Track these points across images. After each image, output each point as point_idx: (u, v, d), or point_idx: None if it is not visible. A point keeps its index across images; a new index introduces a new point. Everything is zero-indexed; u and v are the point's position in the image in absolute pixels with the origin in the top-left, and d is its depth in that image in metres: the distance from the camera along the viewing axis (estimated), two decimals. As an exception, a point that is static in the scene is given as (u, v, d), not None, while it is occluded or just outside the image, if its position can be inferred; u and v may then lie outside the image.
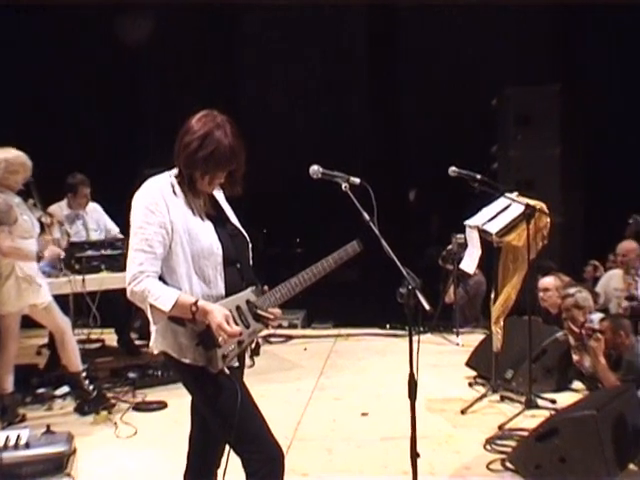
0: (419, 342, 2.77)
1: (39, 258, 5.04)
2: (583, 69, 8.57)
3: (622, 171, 8.07)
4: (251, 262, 2.91)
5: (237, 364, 2.76)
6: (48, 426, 3.65)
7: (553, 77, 8.31)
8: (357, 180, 3.01)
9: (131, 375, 6.01)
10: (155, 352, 2.77)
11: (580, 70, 8.57)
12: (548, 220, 5.40)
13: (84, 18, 8.83)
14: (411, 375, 2.83)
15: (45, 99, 8.74)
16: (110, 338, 7.27)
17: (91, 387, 5.45)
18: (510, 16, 8.89)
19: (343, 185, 2.98)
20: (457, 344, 7.29)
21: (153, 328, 2.71)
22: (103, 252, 6.03)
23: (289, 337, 7.78)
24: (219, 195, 2.91)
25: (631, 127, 8.17)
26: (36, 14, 8.47)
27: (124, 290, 2.68)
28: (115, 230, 6.80)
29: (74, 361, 5.39)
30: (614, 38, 8.42)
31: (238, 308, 2.71)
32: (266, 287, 2.83)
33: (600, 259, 6.98)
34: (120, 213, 6.65)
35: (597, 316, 5.61)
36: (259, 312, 2.73)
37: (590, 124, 8.20)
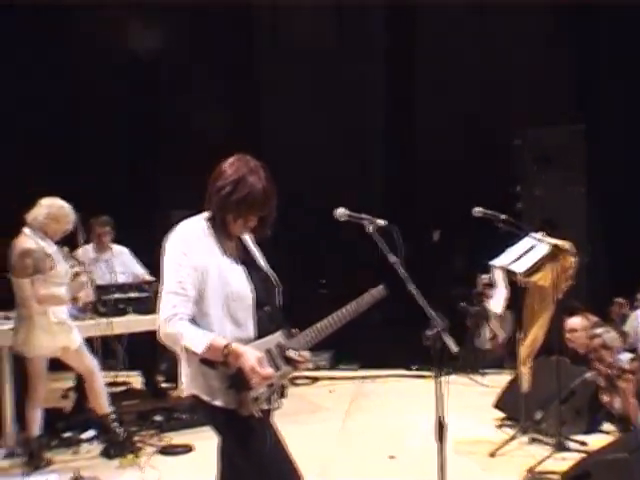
0: (447, 384, 2.76)
1: (74, 300, 5.13)
2: (607, 110, 8.57)
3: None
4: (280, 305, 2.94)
5: (267, 407, 2.76)
6: (75, 471, 3.65)
7: (577, 117, 8.32)
8: (382, 222, 3.02)
9: (157, 418, 6.02)
10: (185, 395, 2.78)
11: (604, 111, 8.57)
12: (574, 260, 5.37)
13: (100, 49, 9.04)
14: (439, 419, 2.81)
15: (66, 140, 8.88)
16: (136, 381, 7.29)
17: (120, 429, 5.46)
18: (535, 57, 8.95)
19: (369, 227, 3.00)
20: (483, 385, 7.21)
21: (184, 371, 2.73)
22: (130, 295, 6.08)
23: (315, 379, 7.75)
24: (248, 239, 2.95)
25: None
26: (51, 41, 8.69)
27: (151, 332, 2.70)
28: (143, 273, 6.84)
29: (102, 403, 5.40)
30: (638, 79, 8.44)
31: (268, 351, 2.72)
32: (295, 330, 2.85)
33: (627, 298, 6.90)
34: (144, 253, 6.74)
35: (626, 356, 5.54)
36: (289, 355, 2.74)
37: (615, 163, 8.18)
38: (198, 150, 8.41)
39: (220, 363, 2.61)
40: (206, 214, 2.80)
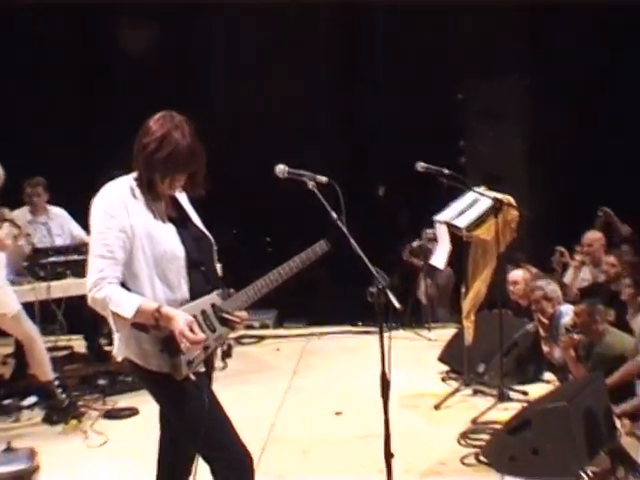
0: (390, 339, 2.74)
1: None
2: (554, 66, 8.59)
3: (590, 165, 8.11)
4: (217, 265, 2.87)
5: (203, 369, 2.71)
6: (8, 443, 3.56)
7: (523, 73, 8.33)
8: (324, 179, 2.98)
9: (101, 382, 5.91)
10: (119, 359, 2.72)
11: (550, 67, 8.59)
12: (516, 214, 5.41)
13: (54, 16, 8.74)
14: (383, 374, 2.80)
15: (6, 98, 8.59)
16: (79, 345, 7.12)
17: (63, 396, 5.35)
18: (480, 12, 8.91)
19: (310, 184, 2.95)
20: (429, 339, 7.28)
21: (116, 335, 2.67)
22: (68, 258, 5.90)
23: (261, 338, 7.70)
24: (182, 197, 2.86)
25: (599, 122, 8.21)
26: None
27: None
28: (82, 235, 6.64)
29: (45, 370, 5.27)
30: (585, 35, 8.46)
31: (203, 312, 2.66)
32: (232, 290, 2.78)
33: (568, 251, 7.01)
34: (86, 216, 6.57)
35: (566, 307, 5.64)
36: (225, 316, 2.68)
37: (559, 119, 8.23)
38: (142, 109, 8.21)
39: (152, 326, 2.55)
40: (134, 174, 2.70)
